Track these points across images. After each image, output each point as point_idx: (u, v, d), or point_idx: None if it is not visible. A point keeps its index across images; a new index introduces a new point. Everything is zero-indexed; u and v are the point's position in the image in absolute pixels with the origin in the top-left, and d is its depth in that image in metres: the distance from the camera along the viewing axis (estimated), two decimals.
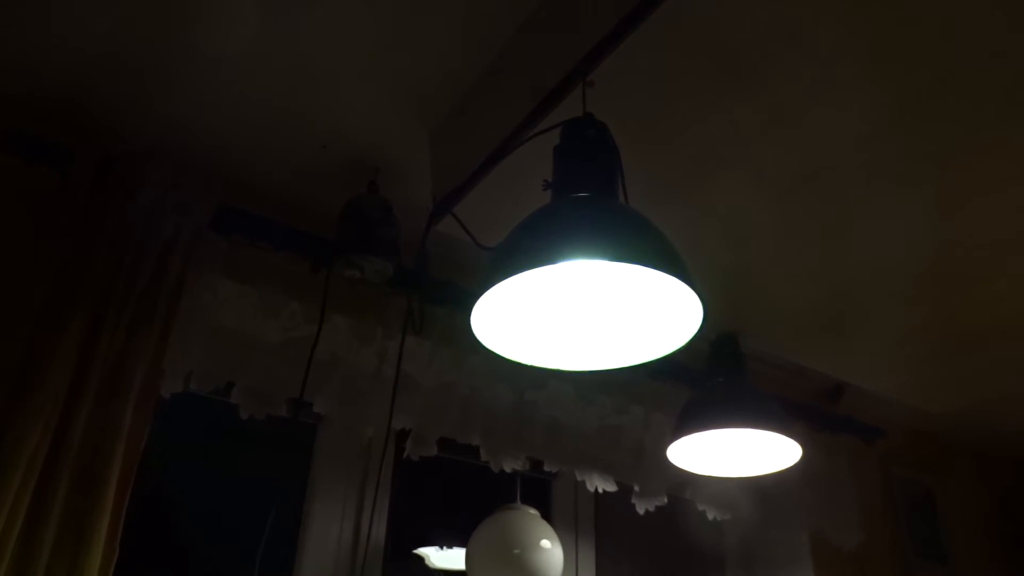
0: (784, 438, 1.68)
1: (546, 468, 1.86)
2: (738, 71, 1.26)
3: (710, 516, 2.08)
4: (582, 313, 1.06)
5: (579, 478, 1.90)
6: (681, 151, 1.43)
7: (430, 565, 1.86)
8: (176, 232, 1.39)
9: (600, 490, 1.90)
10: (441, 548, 1.87)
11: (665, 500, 1.98)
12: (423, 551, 1.86)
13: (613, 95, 1.26)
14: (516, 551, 1.68)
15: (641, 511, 1.96)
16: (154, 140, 1.47)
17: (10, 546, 1.10)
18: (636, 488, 1.97)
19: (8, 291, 1.29)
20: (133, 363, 1.28)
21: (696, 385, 1.86)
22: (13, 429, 1.15)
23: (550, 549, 1.72)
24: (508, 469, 1.78)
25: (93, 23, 1.28)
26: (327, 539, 1.64)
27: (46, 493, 1.15)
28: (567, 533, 2.02)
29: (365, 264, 1.52)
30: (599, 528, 2.08)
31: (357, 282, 1.57)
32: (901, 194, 1.53)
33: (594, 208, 0.96)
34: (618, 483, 1.92)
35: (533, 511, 1.84)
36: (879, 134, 1.39)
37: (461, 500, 1.99)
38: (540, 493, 2.05)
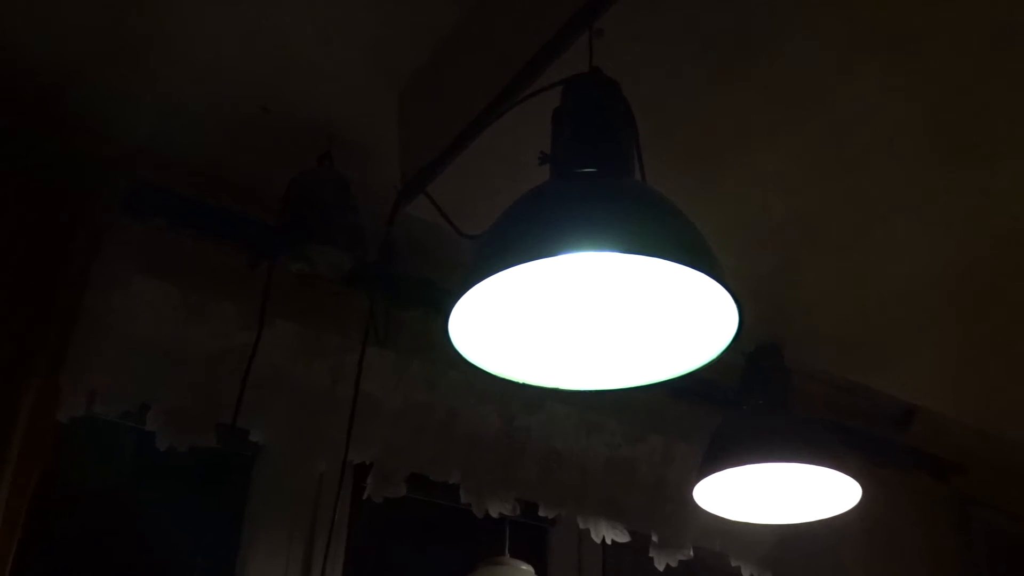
0: (840, 475, 1.68)
1: (541, 512, 1.86)
2: (770, 30, 1.27)
3: (746, 572, 2.09)
4: (587, 319, 1.06)
5: (582, 525, 1.89)
6: (705, 123, 1.44)
7: None
8: (79, 215, 1.38)
9: (609, 540, 1.90)
10: None
11: (691, 553, 1.98)
12: None
13: (626, 48, 1.26)
14: None
15: (660, 566, 1.96)
16: (48, 98, 1.46)
17: None
18: (654, 538, 1.97)
19: None
20: (22, 381, 1.27)
21: (729, 408, 1.86)
22: None
23: None
24: (494, 513, 1.78)
25: None
26: None
27: None
28: None
29: (316, 256, 1.52)
30: None
31: (306, 279, 1.56)
32: (960, 181, 1.54)
33: (603, 187, 0.96)
34: (631, 532, 1.92)
35: (525, 567, 1.84)
36: (930, 112, 1.40)
37: (435, 552, 1.99)
38: (534, 543, 2.05)
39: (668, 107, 1.40)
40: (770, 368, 1.85)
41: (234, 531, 1.66)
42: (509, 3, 1.31)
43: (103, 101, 1.48)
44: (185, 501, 1.64)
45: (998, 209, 1.62)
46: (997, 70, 1.32)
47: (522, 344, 1.05)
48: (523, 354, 1.05)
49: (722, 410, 1.93)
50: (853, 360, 2.10)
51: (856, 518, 1.86)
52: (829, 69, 1.34)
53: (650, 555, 1.96)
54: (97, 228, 1.40)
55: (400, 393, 1.72)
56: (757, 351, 1.86)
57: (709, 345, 1.00)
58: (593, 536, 1.89)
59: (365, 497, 1.67)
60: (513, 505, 1.80)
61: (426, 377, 1.73)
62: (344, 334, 1.63)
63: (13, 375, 1.27)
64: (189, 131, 1.55)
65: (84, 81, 1.45)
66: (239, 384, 1.50)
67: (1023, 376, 2.15)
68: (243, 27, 1.37)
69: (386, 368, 1.69)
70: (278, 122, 1.54)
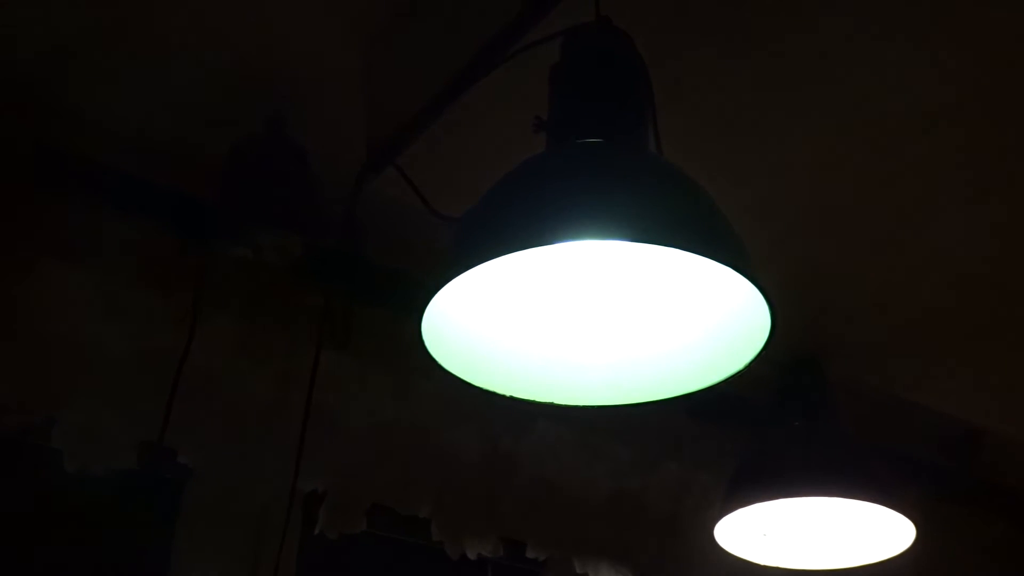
0: (890, 512, 1.69)
1: (530, 554, 1.87)
2: None
3: None
4: (589, 320, 1.06)
5: (580, 569, 1.90)
6: (731, 92, 1.44)
7: None
8: None
9: None
10: None
11: None
12: None
13: None
14: None
15: None
16: None
17: None
18: None
19: None
20: None
21: (758, 431, 1.86)
22: None
23: None
24: (472, 555, 1.78)
25: None
26: None
27: None
28: None
29: (262, 239, 1.52)
30: None
31: (250, 267, 1.56)
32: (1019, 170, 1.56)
33: (611, 160, 0.96)
34: None
35: None
36: (981, 92, 1.42)
37: None
38: None
39: (686, 69, 1.40)
40: (808, 383, 1.86)
41: (159, 572, 1.66)
42: None
43: (16, 56, 1.48)
44: (98, 535, 1.63)
45: None
46: None
47: (510, 350, 1.05)
48: (511, 362, 1.05)
49: (750, 433, 1.94)
50: (907, 374, 2.11)
51: (910, 563, 1.87)
52: (869, 36, 1.35)
53: None
54: None
55: (361, 408, 1.72)
56: (793, 363, 1.87)
57: (735, 354, 1.00)
58: None
59: (317, 532, 1.67)
60: (495, 545, 1.80)
61: (393, 389, 1.73)
62: (295, 335, 1.63)
63: None
64: (109, 87, 1.55)
65: None
66: (166, 394, 1.49)
67: None
68: None
69: (345, 377, 1.69)
70: (218, 76, 1.53)
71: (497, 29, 1.28)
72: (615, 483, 1.95)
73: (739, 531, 1.77)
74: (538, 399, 1.07)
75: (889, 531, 1.74)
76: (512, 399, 1.07)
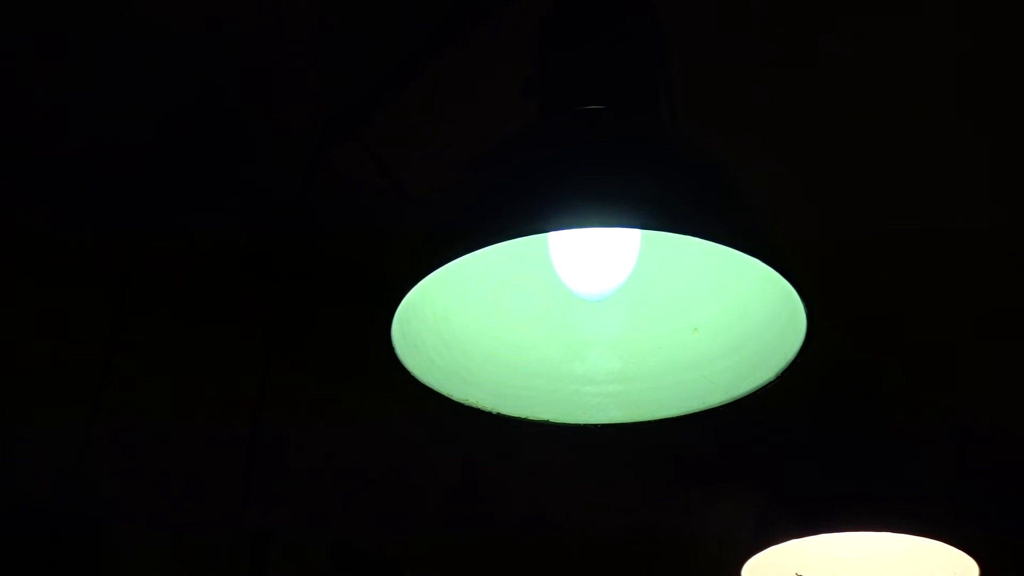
0: (951, 550, 1.69)
1: None
2: None
3: None
4: (590, 320, 1.07)
5: None
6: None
7: None
8: None
9: None
10: None
11: None
12: None
13: None
14: None
15: None
16: None
17: None
18: None
19: None
20: None
21: (795, 452, 1.87)
22: None
23: None
24: None
25: None
26: None
27: None
28: None
29: (196, 228, 1.52)
30: None
31: (183, 260, 1.56)
32: None
33: (615, 131, 0.96)
34: None
35: None
36: None
37: None
38: None
39: (697, 28, 1.41)
40: (858, 393, 1.85)
41: None
42: None
43: None
44: None
45: None
46: None
47: (496, 357, 1.06)
48: (497, 371, 1.06)
49: (783, 456, 1.94)
50: (972, 386, 2.11)
51: None
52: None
53: None
54: None
55: (320, 429, 1.72)
56: (838, 371, 1.87)
57: (765, 363, 1.00)
58: None
59: None
60: None
61: (357, 405, 1.73)
62: (238, 342, 1.63)
63: None
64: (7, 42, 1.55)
65: None
66: (86, 413, 1.49)
67: None
68: None
69: (301, 391, 1.69)
70: (139, 27, 1.53)
71: None
72: (621, 517, 1.96)
73: (771, 573, 1.77)
74: (530, 417, 1.07)
75: (950, 572, 1.74)
76: (499, 417, 1.07)
